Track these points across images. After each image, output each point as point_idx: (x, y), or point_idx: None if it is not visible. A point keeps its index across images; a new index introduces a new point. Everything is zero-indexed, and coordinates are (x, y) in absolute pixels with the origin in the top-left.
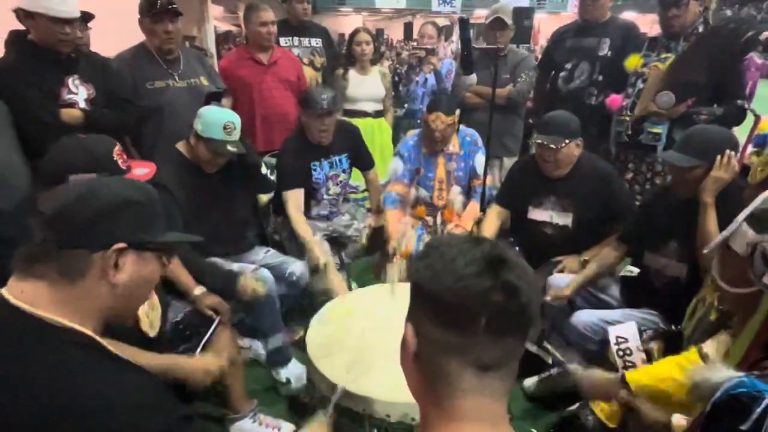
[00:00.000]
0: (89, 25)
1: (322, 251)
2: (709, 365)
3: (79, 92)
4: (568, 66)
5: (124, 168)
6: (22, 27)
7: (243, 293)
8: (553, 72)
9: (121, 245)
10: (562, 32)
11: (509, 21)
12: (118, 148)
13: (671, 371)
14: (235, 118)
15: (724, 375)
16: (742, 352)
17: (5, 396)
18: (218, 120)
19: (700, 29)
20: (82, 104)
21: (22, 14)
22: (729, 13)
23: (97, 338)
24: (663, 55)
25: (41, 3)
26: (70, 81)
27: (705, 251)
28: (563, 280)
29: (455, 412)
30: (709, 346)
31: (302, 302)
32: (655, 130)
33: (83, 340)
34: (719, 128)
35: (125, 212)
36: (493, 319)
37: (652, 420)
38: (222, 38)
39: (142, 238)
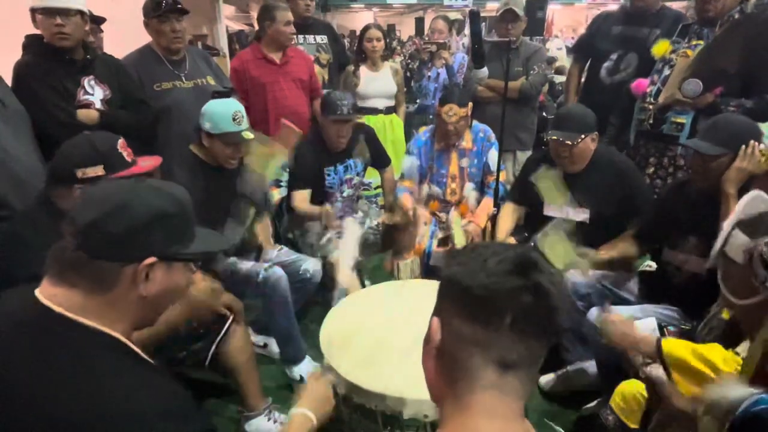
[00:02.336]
0: (101, 28)
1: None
2: (724, 382)
3: (95, 93)
4: (614, 56)
5: (129, 161)
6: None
7: (252, 242)
8: (590, 60)
9: (153, 260)
10: (606, 18)
11: (520, 12)
12: (121, 141)
13: (715, 357)
14: (240, 106)
15: (742, 392)
16: (755, 364)
17: (37, 397)
18: (225, 113)
19: (736, 17)
20: (98, 105)
21: (32, 16)
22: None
23: (128, 342)
24: (694, 42)
25: None
26: (85, 82)
27: (706, 266)
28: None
29: (472, 407)
30: (743, 351)
31: (316, 299)
32: (678, 120)
33: (114, 344)
34: (744, 117)
35: (158, 226)
36: (520, 319)
37: (678, 407)
38: (234, 38)
39: (173, 251)
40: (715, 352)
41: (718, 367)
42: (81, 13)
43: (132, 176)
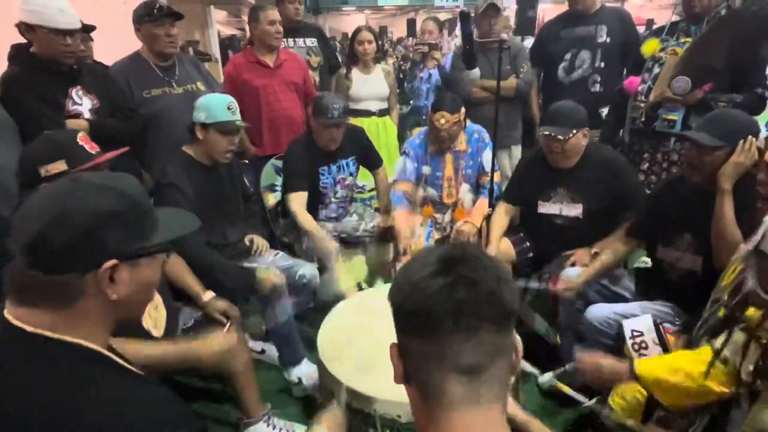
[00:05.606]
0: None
1: (330, 242)
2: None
3: (83, 103)
4: (567, 56)
5: (93, 152)
6: (23, 40)
7: (263, 287)
8: (546, 66)
9: (113, 262)
10: (552, 24)
11: (501, 6)
12: (82, 134)
13: (684, 364)
14: (233, 99)
15: None
16: None
17: (21, 417)
18: (220, 102)
19: (723, 13)
20: (87, 114)
21: (23, 28)
22: None
23: (106, 353)
24: (682, 40)
25: (42, 15)
26: (74, 92)
27: (736, 265)
28: (574, 272)
29: (446, 425)
30: (720, 342)
31: (313, 303)
32: (669, 117)
33: (92, 356)
34: (743, 113)
35: (108, 226)
36: (459, 317)
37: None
38: (227, 42)
39: (132, 248)
40: (682, 359)
41: (691, 373)
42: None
43: (84, 171)
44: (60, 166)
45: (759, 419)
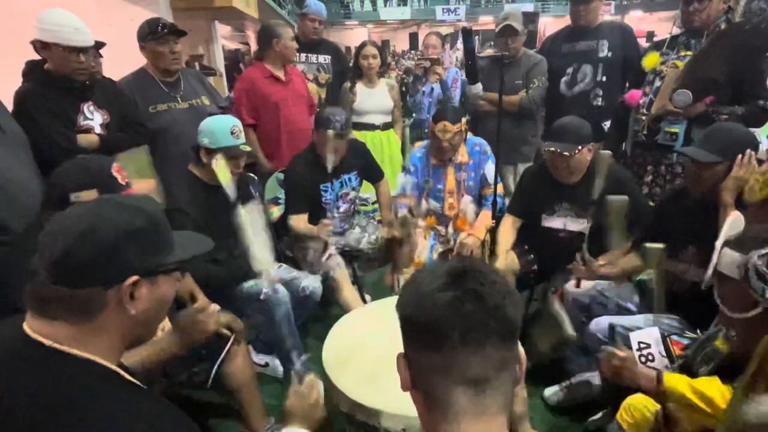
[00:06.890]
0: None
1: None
2: (762, 401)
3: (94, 118)
4: (569, 70)
5: (124, 184)
6: (38, 57)
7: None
8: (548, 79)
9: (134, 278)
10: (554, 39)
11: (519, 27)
12: (116, 165)
13: (713, 393)
14: (236, 121)
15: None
16: (749, 374)
17: (27, 430)
18: (223, 127)
19: (723, 26)
20: (98, 129)
21: (38, 45)
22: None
23: (118, 370)
24: (683, 53)
25: (57, 34)
26: (85, 107)
27: (703, 287)
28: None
29: None
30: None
31: (316, 315)
32: (671, 130)
33: (103, 372)
34: (742, 127)
35: (131, 243)
36: (467, 330)
37: None
38: (230, 57)
39: (153, 265)
40: (712, 388)
41: (716, 403)
42: None
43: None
44: (91, 194)
45: (739, 413)
